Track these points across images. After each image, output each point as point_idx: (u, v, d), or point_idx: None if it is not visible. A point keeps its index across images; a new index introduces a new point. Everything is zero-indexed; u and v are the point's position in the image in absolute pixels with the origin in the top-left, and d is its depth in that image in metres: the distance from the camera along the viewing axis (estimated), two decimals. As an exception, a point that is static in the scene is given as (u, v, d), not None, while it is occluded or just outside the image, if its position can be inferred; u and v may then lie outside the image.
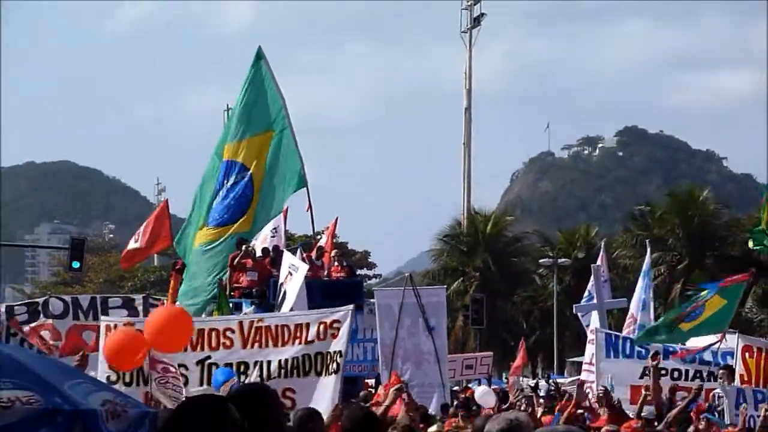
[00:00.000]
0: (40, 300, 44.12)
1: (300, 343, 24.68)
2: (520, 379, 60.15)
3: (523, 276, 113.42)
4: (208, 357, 25.09)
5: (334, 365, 25.09)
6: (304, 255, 39.35)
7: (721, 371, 37.49)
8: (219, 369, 25.47)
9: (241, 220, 39.82)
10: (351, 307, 29.36)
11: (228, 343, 24.97)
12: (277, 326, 26.25)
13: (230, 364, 26.48)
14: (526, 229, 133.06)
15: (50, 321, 33.72)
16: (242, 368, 25.71)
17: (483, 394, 48.06)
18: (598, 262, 64.46)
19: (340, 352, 25.01)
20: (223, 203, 36.40)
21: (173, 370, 26.17)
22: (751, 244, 50.79)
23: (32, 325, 34.85)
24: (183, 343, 25.78)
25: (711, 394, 36.83)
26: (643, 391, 37.10)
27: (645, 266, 68.65)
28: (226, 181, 36.20)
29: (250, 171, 33.75)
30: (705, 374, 37.49)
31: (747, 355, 33.28)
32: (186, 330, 25.18)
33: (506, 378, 77.55)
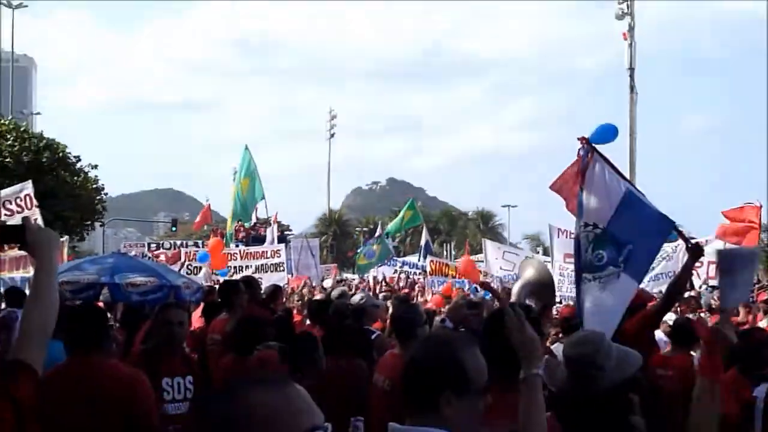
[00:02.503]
0: (161, 242, 42.90)
1: (264, 258, 24.51)
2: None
3: (350, 235, 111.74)
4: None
5: (281, 268, 24.58)
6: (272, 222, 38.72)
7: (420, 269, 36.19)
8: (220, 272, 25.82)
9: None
10: (282, 245, 28.95)
11: (232, 258, 24.93)
12: (254, 252, 26.17)
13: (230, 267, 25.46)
14: (351, 217, 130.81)
15: (163, 250, 32.88)
16: (239, 269, 24.32)
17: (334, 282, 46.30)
18: (378, 230, 63.42)
19: (282, 263, 24.70)
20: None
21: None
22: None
23: (156, 251, 34.14)
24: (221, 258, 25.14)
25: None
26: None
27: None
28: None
29: (240, 191, 33.85)
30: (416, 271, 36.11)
31: (431, 263, 31.51)
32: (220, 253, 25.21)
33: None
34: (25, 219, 3.97)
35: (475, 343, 3.69)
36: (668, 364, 8.38)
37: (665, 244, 9.98)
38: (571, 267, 11.76)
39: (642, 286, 11.10)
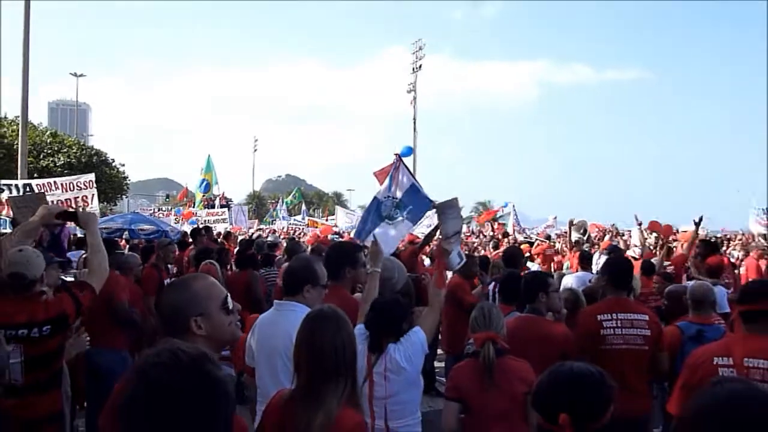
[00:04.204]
0: (160, 207, 41.69)
1: (216, 216, 23.20)
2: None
3: (264, 205, 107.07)
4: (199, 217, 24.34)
5: (226, 221, 23.05)
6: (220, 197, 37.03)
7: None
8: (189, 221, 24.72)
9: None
10: (226, 209, 27.35)
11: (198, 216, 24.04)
12: (211, 212, 24.92)
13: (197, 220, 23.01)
14: (265, 195, 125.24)
15: (163, 212, 32.18)
16: (202, 221, 23.20)
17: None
18: (280, 203, 61.42)
19: (226, 218, 23.61)
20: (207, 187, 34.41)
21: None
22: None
23: (157, 213, 33.13)
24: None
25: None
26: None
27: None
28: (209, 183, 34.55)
29: (207, 180, 32.39)
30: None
31: (308, 221, 31.44)
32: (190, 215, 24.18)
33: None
34: (76, 209, 4.06)
35: (321, 260, 3.77)
36: (429, 272, 8.59)
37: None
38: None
39: (415, 232, 11.55)
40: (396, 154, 8.49)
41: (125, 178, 38.90)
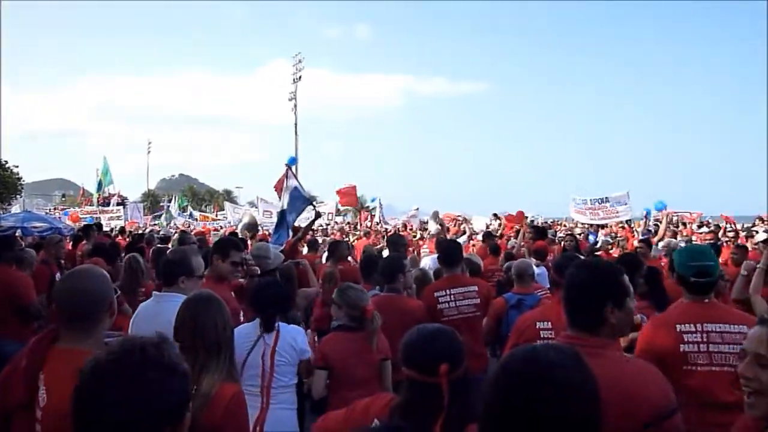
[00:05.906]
0: (56, 206, 38.34)
1: (110, 213, 21.64)
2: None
3: (159, 204, 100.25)
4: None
5: (120, 218, 21.74)
6: (116, 196, 34.70)
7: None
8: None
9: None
10: (122, 207, 26.01)
11: (94, 214, 22.20)
12: (106, 209, 23.32)
13: (94, 217, 21.63)
14: (159, 193, 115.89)
15: (62, 213, 29.64)
16: (98, 218, 21.54)
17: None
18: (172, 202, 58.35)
19: (121, 215, 22.35)
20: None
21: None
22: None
23: (54, 212, 30.60)
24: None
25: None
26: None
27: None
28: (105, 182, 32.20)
29: (103, 180, 30.24)
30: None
31: (200, 215, 30.04)
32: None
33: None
34: None
35: (200, 252, 3.71)
36: (306, 258, 8.52)
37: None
38: (269, 220, 12.61)
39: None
40: (286, 165, 8.82)
41: (19, 179, 35.78)
